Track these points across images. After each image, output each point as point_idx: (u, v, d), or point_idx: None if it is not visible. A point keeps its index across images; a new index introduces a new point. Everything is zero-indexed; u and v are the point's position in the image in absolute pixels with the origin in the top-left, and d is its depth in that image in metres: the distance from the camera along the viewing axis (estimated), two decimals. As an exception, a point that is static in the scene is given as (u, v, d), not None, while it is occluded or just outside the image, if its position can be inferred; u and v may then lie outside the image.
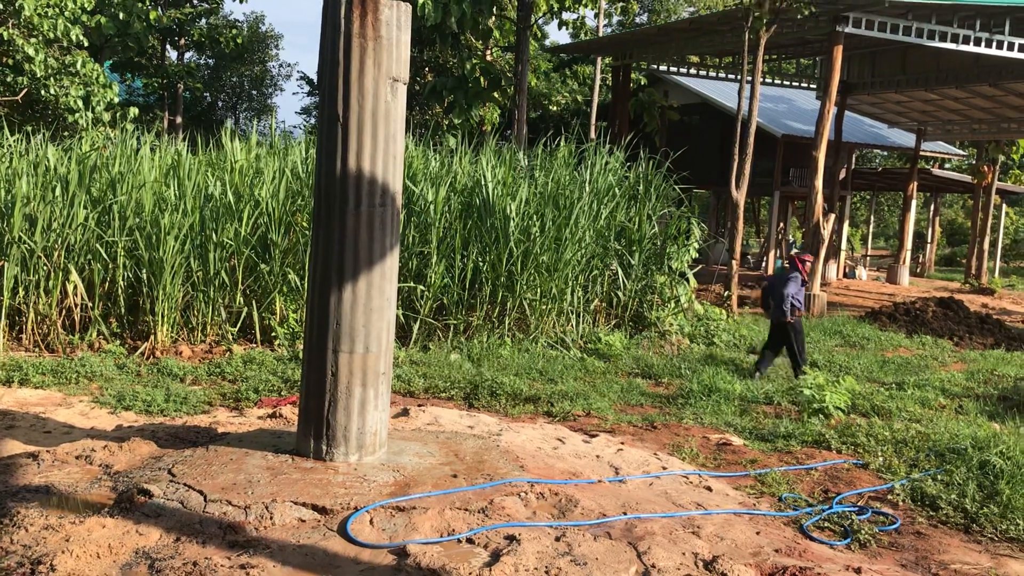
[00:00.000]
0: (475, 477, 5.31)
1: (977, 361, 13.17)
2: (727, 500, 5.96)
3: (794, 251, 28.21)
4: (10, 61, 15.40)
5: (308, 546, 4.39)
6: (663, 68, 28.93)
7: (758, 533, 5.20)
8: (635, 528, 4.88)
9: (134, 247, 10.51)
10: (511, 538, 4.53)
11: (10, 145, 11.12)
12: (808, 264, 11.55)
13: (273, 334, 10.90)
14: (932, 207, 34.58)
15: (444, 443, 6.01)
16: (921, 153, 30.05)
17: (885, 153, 43.18)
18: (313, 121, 41.85)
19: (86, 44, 17.17)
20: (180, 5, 31.66)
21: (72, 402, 8.09)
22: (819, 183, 18.80)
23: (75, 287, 10.17)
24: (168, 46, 32.86)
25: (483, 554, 4.39)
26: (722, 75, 28.46)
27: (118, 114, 17.37)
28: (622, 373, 10.80)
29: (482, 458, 5.72)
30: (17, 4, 14.48)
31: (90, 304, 10.30)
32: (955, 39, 19.25)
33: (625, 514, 5.14)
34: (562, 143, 13.87)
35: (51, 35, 15.36)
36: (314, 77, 39.07)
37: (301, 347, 8.24)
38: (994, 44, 19.56)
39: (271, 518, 4.60)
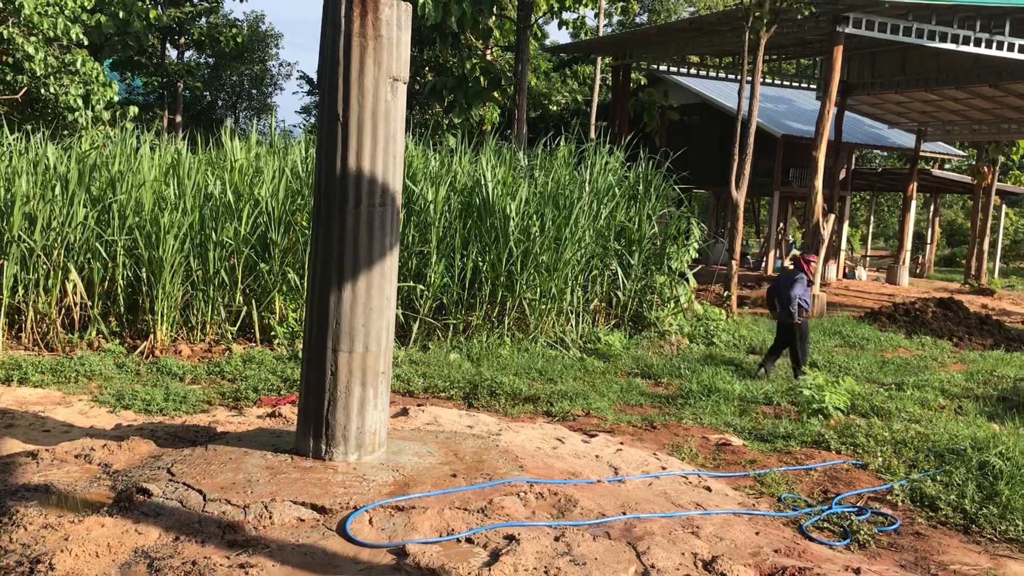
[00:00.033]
0: (474, 477, 5.31)
1: (976, 362, 13.17)
2: (726, 500, 5.96)
3: (795, 251, 28.26)
4: (10, 60, 15.39)
5: (307, 545, 4.39)
6: (663, 68, 28.93)
7: (757, 533, 5.20)
8: (634, 528, 4.88)
9: (134, 246, 10.51)
10: (510, 538, 4.53)
11: (10, 144, 11.11)
12: (813, 265, 11.56)
13: (272, 333, 10.90)
14: (932, 208, 34.59)
15: (443, 443, 6.01)
16: (921, 154, 30.05)
17: (885, 154, 43.17)
18: (313, 120, 41.84)
19: (86, 43, 17.16)
20: (180, 4, 31.66)
21: (71, 401, 8.09)
22: (819, 183, 18.80)
23: (74, 286, 10.17)
24: (168, 45, 32.85)
25: (482, 554, 4.39)
26: (722, 75, 28.46)
27: (118, 113, 17.36)
28: (621, 373, 10.80)
29: (481, 458, 5.72)
30: (17, 3, 14.47)
31: (89, 303, 10.30)
32: (955, 40, 19.25)
33: (624, 514, 5.14)
34: (562, 143, 13.87)
35: (51, 34, 15.35)
36: (314, 76, 39.08)
37: (300, 346, 8.24)
38: (994, 45, 19.56)
39: (270, 517, 4.60)
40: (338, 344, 5.29)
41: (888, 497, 6.40)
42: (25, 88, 15.45)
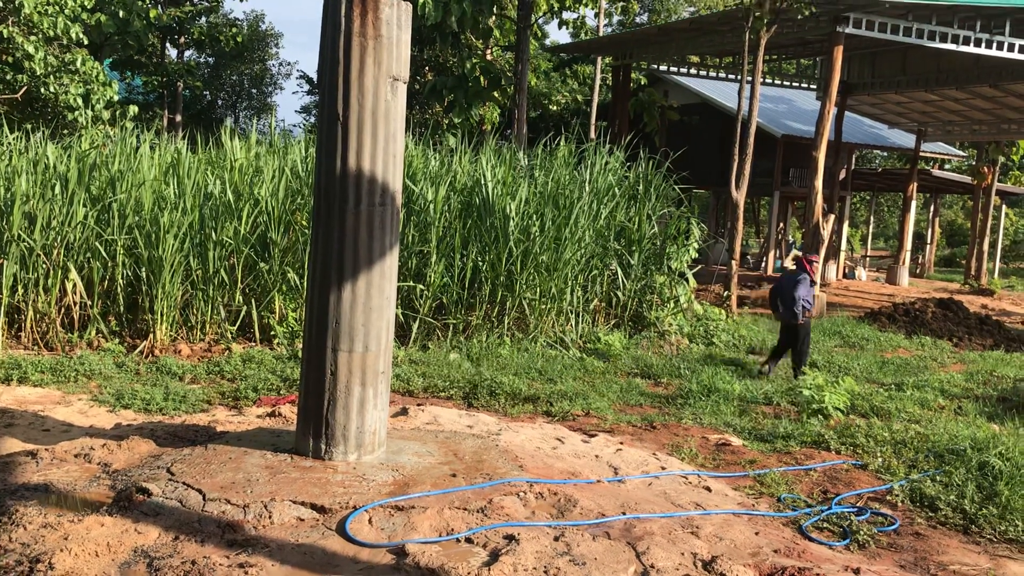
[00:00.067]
0: (474, 477, 5.31)
1: (976, 362, 13.17)
2: (726, 500, 5.96)
3: (795, 251, 28.26)
4: (10, 59, 15.39)
5: (307, 545, 4.39)
6: (663, 68, 28.93)
7: (757, 533, 5.20)
8: (634, 528, 4.88)
9: (133, 245, 10.51)
10: (510, 538, 4.53)
11: (10, 143, 11.11)
12: (816, 265, 11.58)
13: (272, 333, 10.90)
14: (932, 208, 34.59)
15: (443, 442, 6.01)
16: (921, 154, 30.06)
17: (885, 154, 43.18)
18: (313, 120, 41.85)
19: (86, 42, 17.16)
20: (180, 3, 31.67)
21: (71, 400, 8.08)
22: (819, 183, 18.79)
23: (74, 285, 10.17)
24: (168, 44, 32.86)
25: (482, 554, 4.39)
26: (722, 75, 28.46)
27: (118, 112, 17.36)
28: (621, 373, 10.80)
29: (481, 458, 5.71)
30: (17, 2, 14.46)
31: (89, 302, 10.30)
32: (955, 40, 19.24)
33: (624, 514, 5.13)
34: (562, 143, 13.87)
35: (51, 33, 15.35)
36: (314, 76, 39.08)
37: (300, 346, 8.23)
38: (994, 45, 19.56)
39: (270, 517, 4.59)
40: (338, 343, 5.29)
41: (888, 497, 6.40)
42: (25, 87, 15.45)
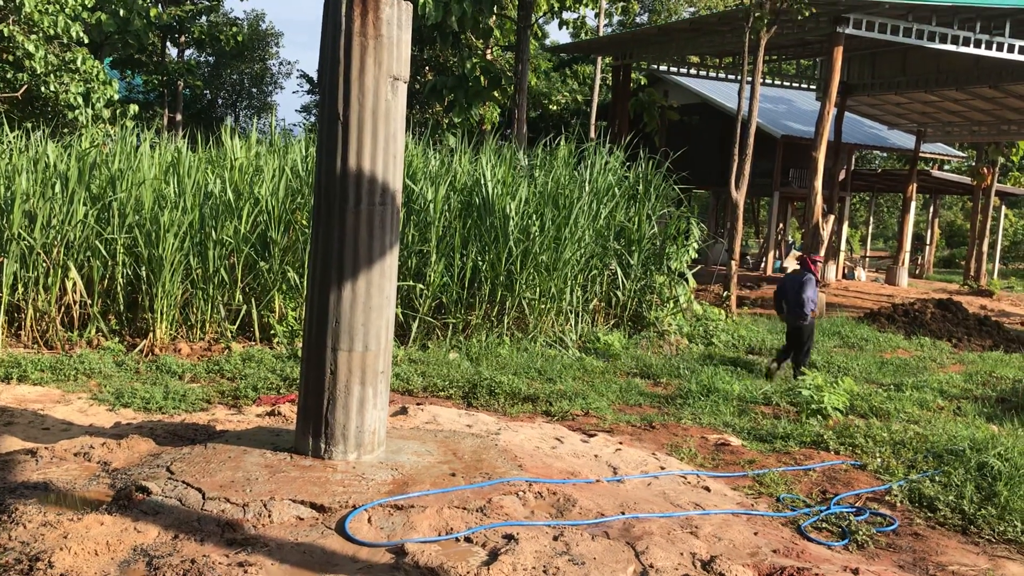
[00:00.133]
0: (473, 476, 5.31)
1: (975, 363, 13.18)
2: (725, 500, 5.96)
3: (795, 251, 28.27)
4: (10, 57, 15.40)
5: (306, 544, 4.39)
6: (663, 68, 28.94)
7: (756, 533, 5.21)
8: (633, 528, 4.89)
9: (133, 244, 10.51)
10: (509, 537, 4.54)
11: (10, 142, 11.12)
12: (819, 264, 11.59)
13: (272, 332, 10.90)
14: (931, 209, 34.61)
15: (442, 442, 6.01)
16: (921, 155, 30.08)
17: (885, 154, 43.21)
18: (313, 119, 41.86)
19: (86, 41, 17.18)
20: (180, 2, 31.67)
21: (71, 399, 8.09)
22: (818, 184, 18.81)
23: (74, 284, 10.17)
24: (168, 43, 32.86)
25: (481, 553, 4.39)
26: (722, 75, 28.48)
27: (118, 111, 17.37)
28: (620, 373, 10.81)
29: (480, 457, 5.72)
30: (17, 0, 14.47)
31: (89, 301, 10.30)
32: (955, 41, 19.25)
33: (623, 514, 5.14)
34: (562, 143, 13.87)
35: (51, 32, 15.36)
36: (314, 75, 39.07)
37: (300, 345, 8.24)
38: (994, 46, 19.56)
39: (269, 516, 4.60)
40: (338, 343, 5.29)
41: (887, 498, 6.40)
42: (25, 86, 15.46)
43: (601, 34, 33.17)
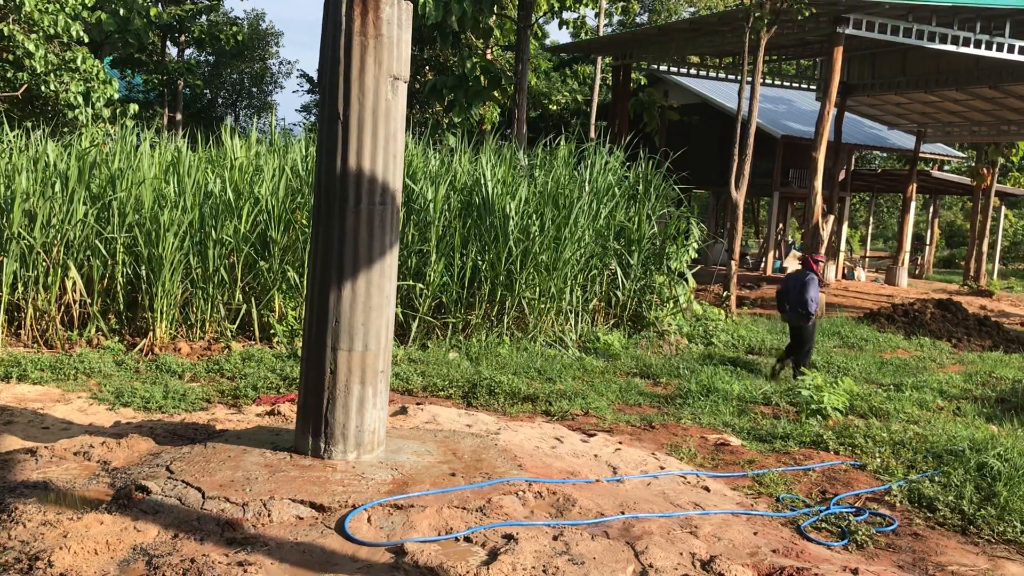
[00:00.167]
0: (473, 476, 5.31)
1: (975, 363, 13.18)
2: (725, 500, 5.96)
3: (795, 251, 28.27)
4: (10, 57, 15.40)
5: (306, 543, 4.39)
6: (663, 68, 28.95)
7: (755, 533, 5.21)
8: (633, 528, 4.89)
9: (133, 243, 10.51)
10: (509, 537, 4.54)
11: (10, 141, 11.12)
12: (821, 264, 11.59)
13: (272, 331, 10.90)
14: (931, 209, 34.61)
15: (442, 442, 6.02)
16: (920, 155, 30.09)
17: (884, 155, 43.22)
18: (313, 119, 41.86)
19: (86, 40, 17.17)
20: (180, 1, 31.67)
21: (70, 398, 8.09)
22: (818, 184, 18.82)
23: (74, 283, 10.17)
24: (168, 42, 32.86)
25: (481, 553, 4.39)
26: (722, 75, 28.49)
27: (118, 110, 17.37)
28: (620, 373, 10.81)
29: (480, 457, 5.72)
30: (18, 0, 14.47)
31: (89, 300, 10.30)
32: (955, 41, 19.25)
33: (623, 513, 5.14)
34: (562, 142, 13.87)
35: (51, 31, 15.36)
36: (314, 75, 39.08)
37: (300, 344, 8.25)
38: (994, 46, 19.57)
39: (269, 515, 4.60)
40: (337, 342, 5.29)
41: (886, 498, 6.41)
42: (25, 85, 15.46)
43: (601, 34, 33.17)
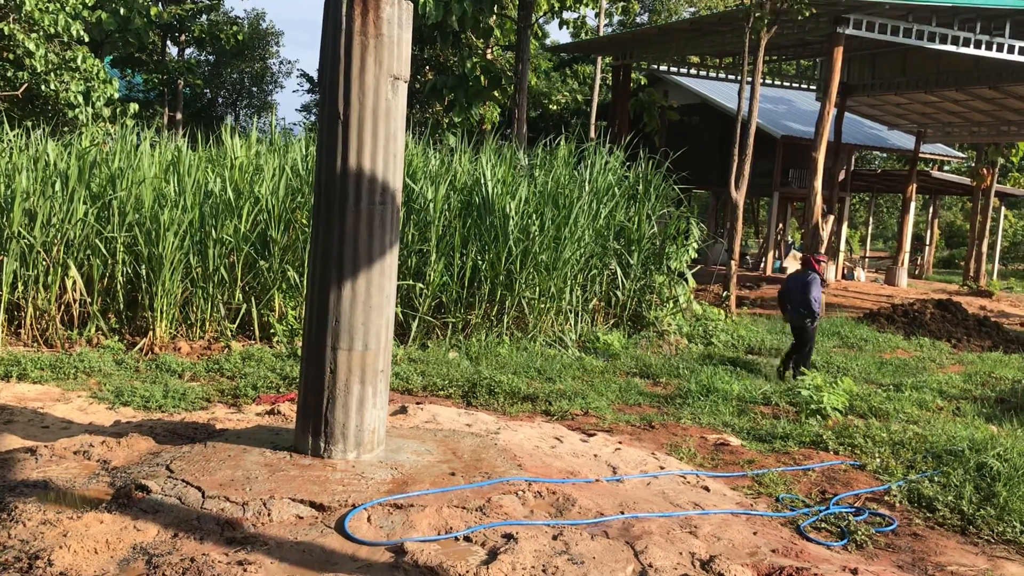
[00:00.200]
0: (473, 475, 5.31)
1: (975, 363, 13.18)
2: (724, 500, 5.97)
3: (794, 251, 28.27)
4: (11, 56, 15.40)
5: (305, 543, 4.40)
6: (663, 68, 28.95)
7: (755, 533, 5.21)
8: (632, 527, 4.89)
9: (133, 243, 10.51)
10: (508, 536, 4.54)
11: (10, 140, 11.12)
12: (823, 264, 11.59)
13: (272, 331, 10.91)
14: (931, 209, 34.62)
15: (442, 441, 6.02)
16: (920, 155, 30.10)
17: (884, 155, 43.23)
18: (313, 118, 41.86)
19: (87, 39, 17.18)
20: (181, 1, 31.67)
21: (70, 397, 8.09)
22: (818, 184, 18.82)
23: (74, 282, 10.17)
24: (168, 42, 32.87)
25: (480, 552, 4.39)
26: (722, 75, 28.49)
27: (118, 110, 17.37)
28: (620, 372, 10.81)
29: (480, 456, 5.72)
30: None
31: (89, 300, 10.31)
32: (955, 41, 19.26)
33: (623, 513, 5.14)
34: (562, 142, 13.87)
35: (52, 30, 15.36)
36: (314, 75, 39.08)
37: (300, 344, 8.25)
38: (994, 47, 19.57)
39: (269, 515, 4.60)
40: (337, 342, 5.30)
41: (886, 498, 6.41)
42: (26, 84, 15.46)
43: (601, 34, 33.18)
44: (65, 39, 16.21)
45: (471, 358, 10.63)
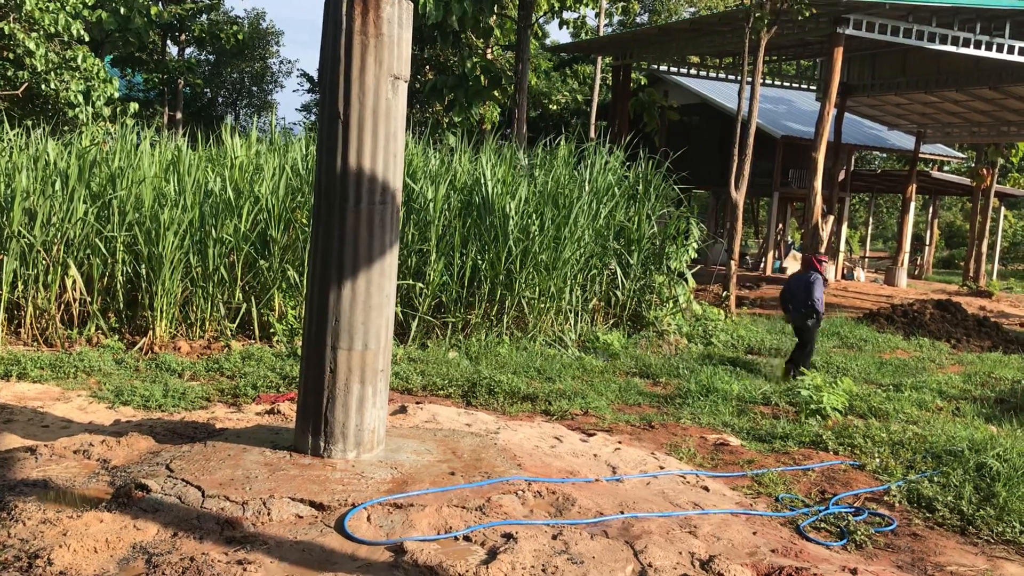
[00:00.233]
0: (473, 475, 5.32)
1: (974, 363, 13.18)
2: (724, 500, 5.97)
3: (794, 251, 28.27)
4: (11, 55, 15.40)
5: (305, 542, 4.40)
6: (663, 68, 28.95)
7: (755, 533, 5.21)
8: (632, 527, 4.89)
9: (133, 242, 10.51)
10: (508, 536, 4.54)
11: (10, 139, 11.12)
12: (825, 264, 11.59)
13: (272, 330, 10.91)
14: (931, 209, 34.63)
15: (442, 441, 6.02)
16: (920, 155, 30.10)
17: (884, 155, 43.24)
18: (313, 118, 41.85)
19: (87, 39, 17.18)
20: (181, 1, 31.66)
21: (70, 396, 8.09)
22: (818, 184, 18.82)
23: (74, 282, 10.17)
24: (169, 41, 32.87)
25: (480, 552, 4.40)
26: (722, 75, 28.49)
27: (118, 109, 17.37)
28: (620, 372, 10.81)
29: (480, 456, 5.72)
30: (18, -2, 14.49)
31: (89, 299, 10.31)
32: (955, 42, 19.26)
33: (622, 513, 5.15)
34: (562, 142, 13.87)
35: (52, 30, 15.36)
36: (314, 74, 39.08)
37: (300, 343, 8.25)
38: (994, 47, 19.57)
39: (268, 514, 4.60)
40: (337, 341, 5.30)
41: (885, 498, 6.41)
42: (26, 84, 15.46)
43: (601, 34, 33.18)
44: (65, 38, 16.21)
45: (471, 358, 10.63)
